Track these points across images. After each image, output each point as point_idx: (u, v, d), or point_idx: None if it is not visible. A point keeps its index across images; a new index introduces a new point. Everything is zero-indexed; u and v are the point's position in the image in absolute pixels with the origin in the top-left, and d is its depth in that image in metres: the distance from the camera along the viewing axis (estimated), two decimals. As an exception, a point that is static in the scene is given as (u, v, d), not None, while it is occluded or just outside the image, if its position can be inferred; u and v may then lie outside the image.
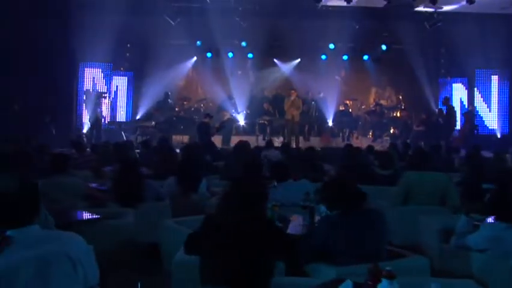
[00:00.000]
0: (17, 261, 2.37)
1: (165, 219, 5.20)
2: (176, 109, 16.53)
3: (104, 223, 4.35)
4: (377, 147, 13.32)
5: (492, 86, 15.69)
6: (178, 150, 9.51)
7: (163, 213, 5.56)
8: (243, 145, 8.26)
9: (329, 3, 13.23)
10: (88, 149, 9.53)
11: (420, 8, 13.67)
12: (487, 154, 10.19)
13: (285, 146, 10.06)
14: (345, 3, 12.58)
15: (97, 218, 4.40)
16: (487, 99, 15.80)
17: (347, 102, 17.21)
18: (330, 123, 16.30)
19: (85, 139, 13.80)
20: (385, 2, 12.74)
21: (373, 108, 17.06)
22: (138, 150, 10.64)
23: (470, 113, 15.36)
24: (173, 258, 3.54)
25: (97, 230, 4.27)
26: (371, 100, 18.20)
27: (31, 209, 2.52)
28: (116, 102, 16.05)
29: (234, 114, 16.03)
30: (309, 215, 4.37)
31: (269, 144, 10.97)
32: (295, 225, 4.41)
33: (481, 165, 7.03)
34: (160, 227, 4.67)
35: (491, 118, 15.59)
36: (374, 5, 13.41)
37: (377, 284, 2.30)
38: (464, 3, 12.38)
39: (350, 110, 17.11)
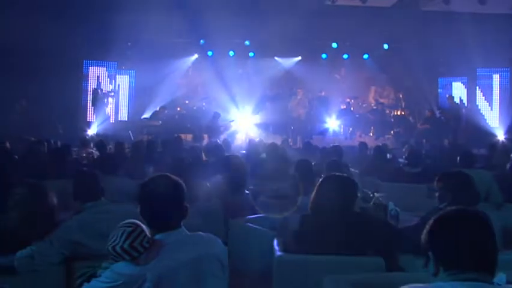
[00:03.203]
0: (174, 265, 2.36)
1: (218, 219, 5.21)
2: (178, 109, 16.47)
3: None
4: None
5: (494, 85, 15.95)
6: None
7: (216, 213, 5.53)
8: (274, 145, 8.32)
9: (342, 3, 13.29)
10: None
11: (428, 8, 13.84)
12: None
13: (307, 144, 10.09)
14: (359, 3, 12.62)
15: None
16: (488, 98, 16.07)
17: (348, 100, 17.33)
18: (333, 122, 16.35)
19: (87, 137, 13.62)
20: (394, 1, 12.87)
21: (374, 107, 17.22)
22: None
23: (470, 112, 15.62)
24: (275, 257, 3.54)
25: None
26: (371, 98, 18.35)
27: (183, 212, 2.50)
28: (118, 100, 15.91)
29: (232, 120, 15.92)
30: (383, 212, 4.44)
31: (285, 143, 11.04)
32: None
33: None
34: (230, 227, 4.65)
35: (492, 116, 15.85)
36: (383, 5, 13.55)
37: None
38: (475, 3, 12.57)
39: (352, 108, 17.22)
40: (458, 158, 6.46)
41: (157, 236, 2.44)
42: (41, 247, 3.13)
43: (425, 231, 1.96)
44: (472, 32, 14.13)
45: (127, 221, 2.48)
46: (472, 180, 3.98)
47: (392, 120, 16.76)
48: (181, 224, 2.51)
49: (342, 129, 16.75)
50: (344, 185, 3.76)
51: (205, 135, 14.22)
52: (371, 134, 16.71)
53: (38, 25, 13.27)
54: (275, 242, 3.98)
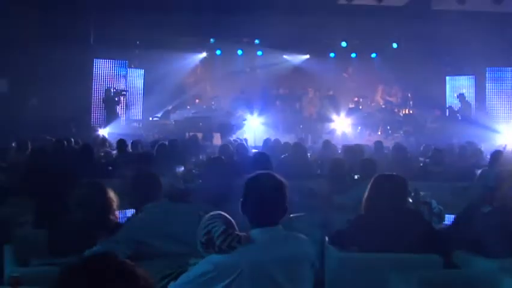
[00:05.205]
0: (269, 261, 2.37)
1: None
2: (188, 107, 16.46)
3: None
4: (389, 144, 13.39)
5: (506, 83, 15.95)
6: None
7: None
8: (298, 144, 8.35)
9: (357, 2, 13.32)
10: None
11: (440, 7, 13.88)
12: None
13: (327, 143, 10.10)
14: (374, 2, 12.65)
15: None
16: (499, 97, 16.09)
17: (357, 99, 17.31)
18: (342, 121, 16.34)
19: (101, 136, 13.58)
20: (406, 0, 12.90)
21: (383, 106, 17.24)
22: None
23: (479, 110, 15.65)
24: (331, 255, 3.56)
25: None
26: (378, 97, 18.35)
27: (283, 211, 2.52)
28: (129, 99, 15.89)
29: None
30: (427, 210, 4.47)
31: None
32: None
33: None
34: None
35: (504, 115, 15.85)
36: (396, 4, 13.59)
37: None
38: (490, 3, 12.61)
39: (361, 107, 17.22)
40: (489, 157, 6.49)
41: (254, 231, 2.45)
42: (108, 246, 3.13)
43: None
44: (482, 30, 14.16)
45: (217, 214, 2.49)
46: None
47: (401, 119, 16.76)
48: (279, 222, 2.53)
49: (351, 128, 16.75)
50: (398, 184, 3.79)
51: (217, 134, 14.23)
52: (379, 133, 16.71)
53: (49, 23, 13.27)
54: (326, 240, 4.00)
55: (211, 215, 2.50)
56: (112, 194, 3.32)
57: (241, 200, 2.55)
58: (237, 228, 2.46)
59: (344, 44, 16.88)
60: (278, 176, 2.59)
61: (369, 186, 3.87)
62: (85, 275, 1.22)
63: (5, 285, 2.84)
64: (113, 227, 3.26)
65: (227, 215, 2.50)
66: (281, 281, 2.37)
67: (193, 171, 6.42)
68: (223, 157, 6.24)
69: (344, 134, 16.31)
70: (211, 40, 16.60)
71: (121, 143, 8.89)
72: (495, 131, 14.29)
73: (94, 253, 1.31)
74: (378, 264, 3.42)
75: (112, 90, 14.62)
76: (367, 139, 15.33)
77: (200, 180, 6.52)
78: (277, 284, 2.36)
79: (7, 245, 3.48)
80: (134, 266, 1.27)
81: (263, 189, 2.49)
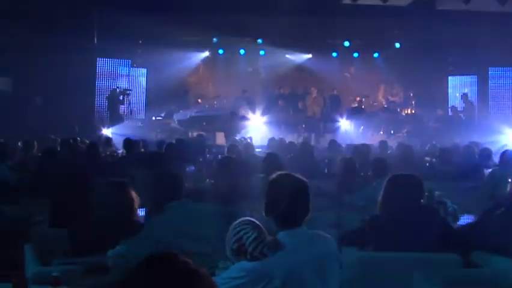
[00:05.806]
0: (300, 262, 2.38)
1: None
2: (190, 106, 16.43)
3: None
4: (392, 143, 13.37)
5: (506, 83, 15.98)
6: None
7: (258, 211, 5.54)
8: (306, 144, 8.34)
9: (362, 2, 13.34)
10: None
11: (444, 7, 13.91)
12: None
13: (333, 142, 10.10)
14: (379, 2, 12.68)
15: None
16: (502, 97, 16.11)
17: (359, 99, 17.31)
18: (345, 120, 16.35)
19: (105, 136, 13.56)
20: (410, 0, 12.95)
21: (386, 105, 17.26)
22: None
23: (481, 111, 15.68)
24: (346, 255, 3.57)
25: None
26: (380, 97, 18.37)
27: (307, 211, 2.52)
28: (132, 99, 15.87)
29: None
30: (443, 210, 4.48)
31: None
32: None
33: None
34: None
35: (508, 115, 15.87)
36: (399, 3, 13.63)
37: None
38: (494, 3, 12.64)
39: (363, 106, 17.22)
40: (499, 157, 6.51)
41: (281, 233, 2.45)
42: (132, 246, 3.12)
43: None
44: (485, 30, 14.18)
45: (247, 220, 2.48)
46: None
47: (403, 119, 16.77)
48: (302, 223, 2.53)
49: (353, 128, 16.73)
50: (414, 184, 3.79)
51: (220, 134, 14.23)
52: (381, 133, 16.70)
53: (51, 22, 13.24)
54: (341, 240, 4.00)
55: (241, 221, 2.48)
56: (133, 194, 3.32)
57: (264, 202, 2.54)
58: (267, 234, 2.45)
59: (346, 43, 16.92)
60: (300, 177, 2.59)
61: (384, 186, 3.86)
62: (150, 275, 1.22)
63: (29, 284, 2.84)
64: (135, 226, 3.25)
65: (256, 221, 2.49)
66: (312, 282, 2.38)
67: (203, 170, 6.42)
68: (234, 156, 6.22)
69: (346, 133, 16.30)
70: (214, 39, 16.63)
71: (128, 142, 8.85)
72: (498, 131, 14.31)
73: (155, 253, 1.30)
74: (398, 263, 3.42)
75: (117, 89, 14.61)
76: (370, 139, 15.31)
77: (208, 180, 6.54)
78: (308, 285, 2.37)
79: (27, 244, 3.48)
80: (197, 265, 1.27)
81: (289, 191, 2.49)
